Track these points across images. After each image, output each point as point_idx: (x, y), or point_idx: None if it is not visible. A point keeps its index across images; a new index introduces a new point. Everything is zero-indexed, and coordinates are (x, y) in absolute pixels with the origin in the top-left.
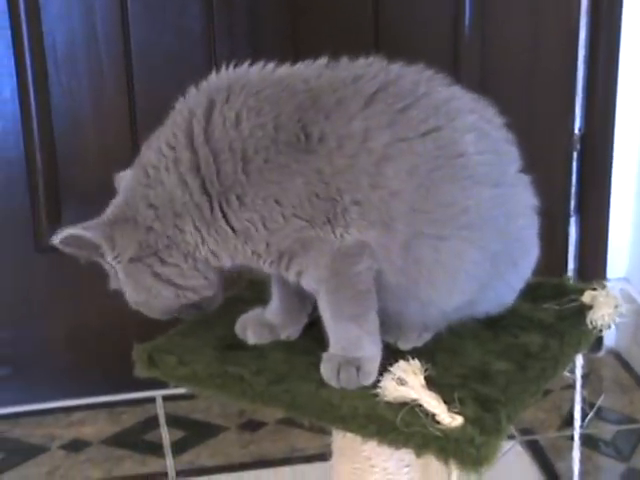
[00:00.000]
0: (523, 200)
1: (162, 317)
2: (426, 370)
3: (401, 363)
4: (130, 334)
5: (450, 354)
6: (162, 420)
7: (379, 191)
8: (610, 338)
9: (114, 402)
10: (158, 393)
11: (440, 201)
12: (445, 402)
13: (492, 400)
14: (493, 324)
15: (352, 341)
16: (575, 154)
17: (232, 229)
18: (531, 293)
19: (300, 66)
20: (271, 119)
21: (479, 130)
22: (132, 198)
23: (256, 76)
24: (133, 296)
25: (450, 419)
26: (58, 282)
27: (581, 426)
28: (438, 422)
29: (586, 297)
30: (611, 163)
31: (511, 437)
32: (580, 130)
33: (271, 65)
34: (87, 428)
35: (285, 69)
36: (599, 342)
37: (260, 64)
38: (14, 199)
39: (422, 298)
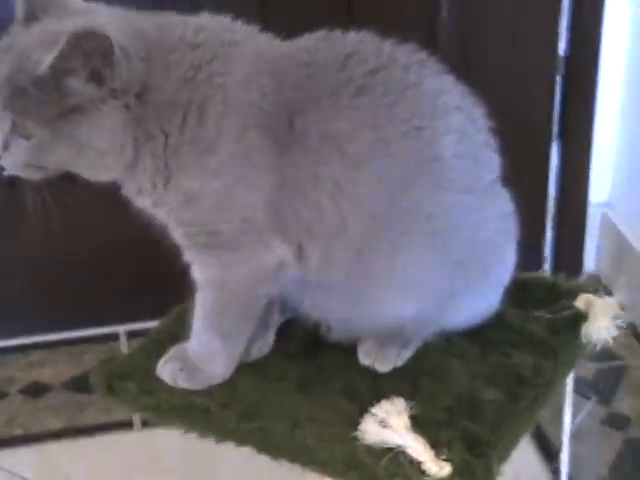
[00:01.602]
0: (496, 209)
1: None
2: (411, 408)
3: (383, 403)
4: (89, 266)
5: (435, 379)
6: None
7: (341, 199)
8: (590, 262)
9: (74, 339)
10: (121, 329)
11: (404, 207)
12: (432, 444)
13: (482, 442)
14: (480, 338)
15: (209, 353)
16: (559, 78)
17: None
18: (520, 296)
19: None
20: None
21: (461, 132)
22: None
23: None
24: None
25: (437, 468)
26: (13, 214)
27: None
28: (424, 471)
29: (580, 302)
30: (596, 87)
31: None
32: (565, 53)
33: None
34: (47, 370)
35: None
36: (579, 266)
37: None
38: None
39: (373, 303)
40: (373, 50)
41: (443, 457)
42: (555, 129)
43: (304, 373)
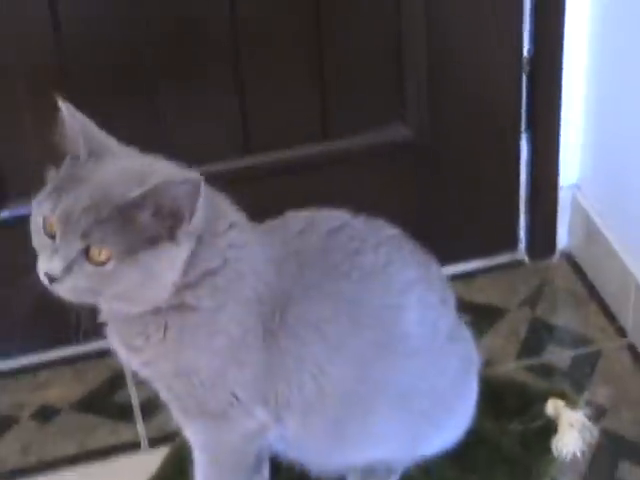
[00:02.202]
0: (455, 353)
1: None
2: None
3: None
4: None
5: None
6: (128, 376)
7: (321, 377)
8: (563, 241)
9: (77, 357)
10: None
11: (374, 379)
12: None
13: None
14: (460, 459)
15: None
16: (524, 76)
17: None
18: (494, 406)
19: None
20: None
21: (422, 302)
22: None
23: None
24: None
25: None
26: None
27: None
28: None
29: (550, 408)
30: (560, 83)
31: None
32: (529, 53)
33: None
34: (54, 391)
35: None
36: (552, 247)
37: None
38: None
39: (347, 454)
40: (350, 231)
41: None
42: (523, 122)
43: None
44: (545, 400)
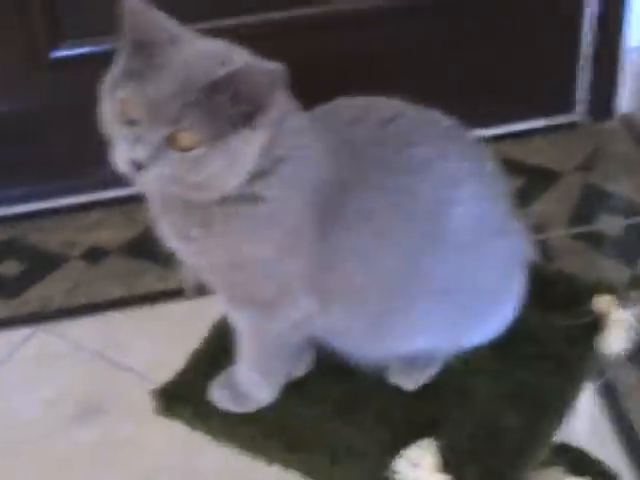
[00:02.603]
0: (505, 247)
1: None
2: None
3: (414, 447)
4: None
5: (459, 399)
6: None
7: (368, 269)
8: (623, 105)
9: (129, 198)
10: None
11: (418, 272)
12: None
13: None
14: (503, 351)
15: (253, 384)
16: None
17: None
18: (540, 299)
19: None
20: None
21: (474, 197)
22: None
23: None
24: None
25: None
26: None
27: None
28: None
29: (597, 304)
30: None
31: None
32: None
33: None
34: (104, 232)
35: None
36: (611, 110)
37: None
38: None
39: (390, 344)
40: (403, 122)
41: None
42: None
43: (342, 395)
44: (593, 294)
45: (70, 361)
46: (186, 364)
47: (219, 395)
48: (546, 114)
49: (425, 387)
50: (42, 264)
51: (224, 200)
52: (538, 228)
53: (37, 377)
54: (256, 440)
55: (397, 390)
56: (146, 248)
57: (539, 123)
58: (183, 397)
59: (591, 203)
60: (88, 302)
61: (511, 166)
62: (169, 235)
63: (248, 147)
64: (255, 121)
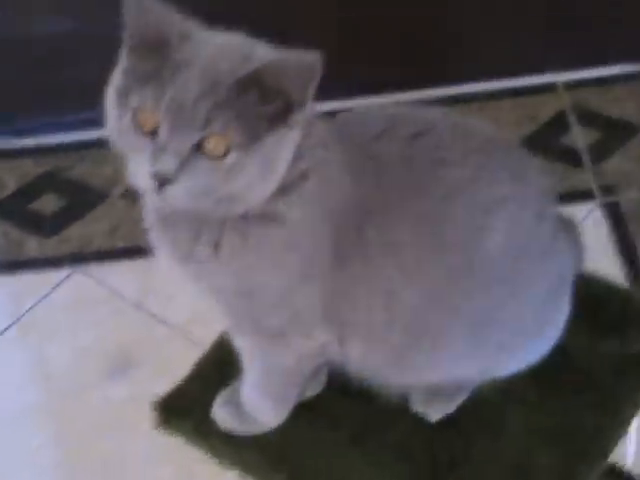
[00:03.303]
0: (547, 271)
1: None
2: None
3: None
4: None
5: (489, 433)
6: None
7: (392, 306)
8: None
9: None
10: None
11: (449, 307)
12: None
13: None
14: (541, 379)
15: (259, 407)
16: None
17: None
18: (588, 319)
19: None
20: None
21: (511, 221)
22: None
23: None
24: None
25: None
26: None
27: None
28: None
29: None
30: None
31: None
32: None
33: None
34: None
35: None
36: None
37: None
38: None
39: (414, 377)
40: (436, 136)
41: None
42: None
43: (357, 422)
44: None
45: (106, 309)
46: (189, 373)
47: (223, 413)
48: (629, 59)
49: (450, 418)
50: (83, 201)
51: (241, 217)
52: (610, 189)
53: (71, 324)
54: (260, 468)
55: (419, 420)
56: None
57: (621, 69)
58: (184, 411)
59: None
60: (131, 245)
61: (586, 117)
62: (165, 255)
63: (284, 149)
64: (291, 118)
